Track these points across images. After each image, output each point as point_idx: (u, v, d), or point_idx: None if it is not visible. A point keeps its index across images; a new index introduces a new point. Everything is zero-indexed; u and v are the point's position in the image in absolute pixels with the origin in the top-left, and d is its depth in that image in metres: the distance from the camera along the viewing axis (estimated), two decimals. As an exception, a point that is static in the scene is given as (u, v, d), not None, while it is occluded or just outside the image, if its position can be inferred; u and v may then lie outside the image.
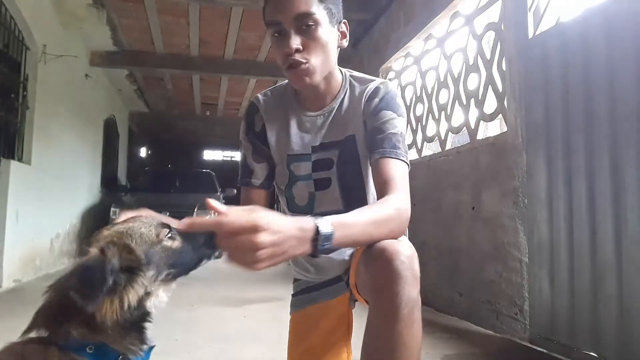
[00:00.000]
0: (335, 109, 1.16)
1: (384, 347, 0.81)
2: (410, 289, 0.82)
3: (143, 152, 13.62)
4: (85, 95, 6.37)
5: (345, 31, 1.14)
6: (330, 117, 1.16)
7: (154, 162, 13.82)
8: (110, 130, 8.27)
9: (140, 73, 7.53)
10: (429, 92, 3.76)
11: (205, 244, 0.80)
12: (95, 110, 7.16)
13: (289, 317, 1.31)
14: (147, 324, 0.78)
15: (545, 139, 2.29)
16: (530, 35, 2.47)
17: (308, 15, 1.02)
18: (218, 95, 8.83)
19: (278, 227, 0.72)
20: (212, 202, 0.75)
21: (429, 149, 3.92)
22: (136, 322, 0.76)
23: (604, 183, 1.93)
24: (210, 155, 16.42)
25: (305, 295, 1.27)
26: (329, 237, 0.77)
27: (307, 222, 0.77)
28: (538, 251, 2.31)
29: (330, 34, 1.08)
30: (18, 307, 3.00)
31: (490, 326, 2.65)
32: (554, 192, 2.22)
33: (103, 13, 5.11)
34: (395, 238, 0.90)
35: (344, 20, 1.14)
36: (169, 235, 0.79)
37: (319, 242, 0.76)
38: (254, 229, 0.69)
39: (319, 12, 1.04)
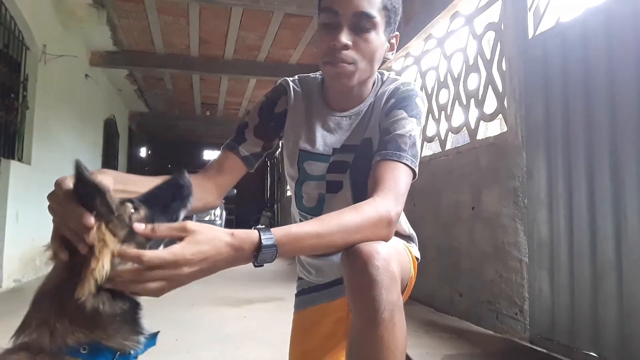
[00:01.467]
0: (363, 112, 1.11)
1: (367, 352, 0.80)
2: (388, 293, 0.78)
3: (143, 152, 13.62)
4: (85, 95, 6.37)
5: (395, 44, 1.09)
6: (357, 121, 1.11)
7: (154, 162, 13.83)
8: (110, 130, 8.27)
9: (140, 73, 7.54)
10: (429, 92, 3.76)
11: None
12: (95, 110, 7.16)
13: (293, 315, 1.31)
14: (140, 313, 0.75)
15: (545, 139, 2.29)
16: (530, 35, 2.47)
17: (368, 16, 0.98)
18: (218, 95, 8.84)
19: (201, 256, 0.71)
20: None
21: (429, 149, 3.92)
22: (127, 313, 0.72)
23: (604, 183, 1.93)
24: (210, 155, 16.41)
25: (306, 296, 1.27)
26: (271, 253, 0.76)
27: (247, 237, 0.74)
28: (538, 251, 2.31)
29: (381, 43, 1.03)
30: (18, 307, 3.00)
31: (490, 326, 2.65)
32: (554, 192, 2.22)
33: (103, 13, 5.12)
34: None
35: (397, 33, 1.09)
36: (133, 209, 0.74)
37: (258, 259, 0.75)
38: (174, 264, 0.68)
39: (379, 17, 1.00)
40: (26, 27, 4.23)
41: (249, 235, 0.75)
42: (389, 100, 1.07)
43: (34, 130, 4.42)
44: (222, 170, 1.08)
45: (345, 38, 0.98)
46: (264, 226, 0.78)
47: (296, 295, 1.31)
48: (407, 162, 0.96)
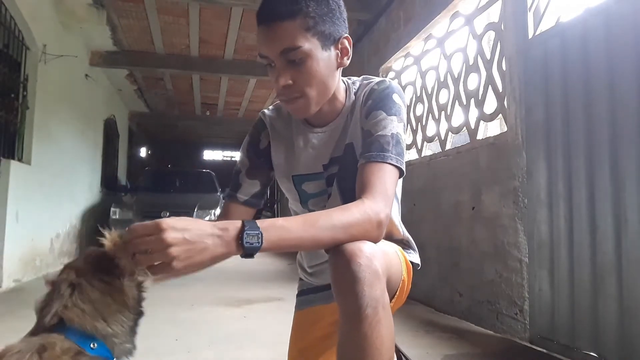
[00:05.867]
0: (343, 123, 1.11)
1: (352, 350, 0.81)
2: (371, 289, 0.79)
3: (143, 152, 13.62)
4: (85, 95, 6.37)
5: (348, 47, 1.05)
6: (339, 133, 1.12)
7: (154, 162, 13.83)
8: (110, 130, 8.28)
9: (140, 73, 7.54)
10: (429, 92, 3.76)
11: None
12: (95, 110, 7.16)
13: (294, 313, 1.32)
14: (138, 326, 0.82)
15: (545, 139, 2.29)
16: (530, 35, 2.47)
17: (294, 49, 0.95)
18: (218, 95, 8.84)
19: (184, 225, 0.73)
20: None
21: (429, 149, 3.92)
22: (136, 320, 0.80)
23: (604, 183, 1.93)
24: (210, 155, 16.43)
25: (305, 297, 1.28)
26: (256, 236, 0.77)
27: (231, 222, 0.78)
28: (538, 251, 2.31)
29: (325, 61, 1.00)
30: (18, 307, 3.01)
31: (490, 326, 2.66)
32: (554, 192, 2.22)
33: (103, 13, 5.12)
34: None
35: (345, 36, 1.04)
36: None
37: (244, 241, 0.76)
38: (157, 229, 0.71)
39: (307, 43, 0.96)
40: (26, 27, 4.23)
41: (232, 221, 0.78)
42: (366, 102, 1.07)
43: (34, 130, 4.42)
44: (232, 218, 1.09)
45: (283, 80, 0.98)
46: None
47: (297, 295, 1.33)
48: (392, 162, 0.97)
